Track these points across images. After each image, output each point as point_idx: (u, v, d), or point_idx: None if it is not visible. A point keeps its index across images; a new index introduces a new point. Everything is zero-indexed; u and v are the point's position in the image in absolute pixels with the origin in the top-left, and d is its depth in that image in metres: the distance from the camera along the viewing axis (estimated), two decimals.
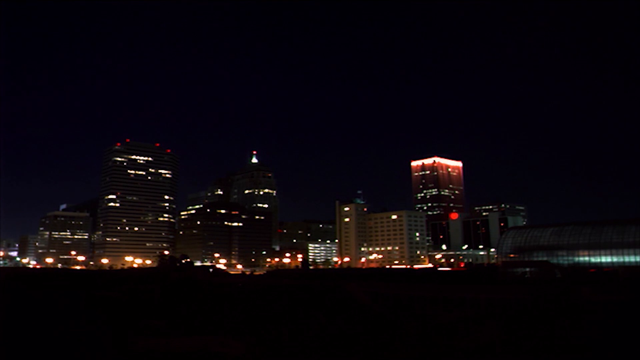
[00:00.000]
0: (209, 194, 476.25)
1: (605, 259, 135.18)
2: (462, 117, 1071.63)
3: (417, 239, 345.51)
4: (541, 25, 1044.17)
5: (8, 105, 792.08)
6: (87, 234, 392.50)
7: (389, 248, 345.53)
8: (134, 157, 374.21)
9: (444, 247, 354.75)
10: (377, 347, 45.94)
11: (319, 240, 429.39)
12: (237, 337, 49.61)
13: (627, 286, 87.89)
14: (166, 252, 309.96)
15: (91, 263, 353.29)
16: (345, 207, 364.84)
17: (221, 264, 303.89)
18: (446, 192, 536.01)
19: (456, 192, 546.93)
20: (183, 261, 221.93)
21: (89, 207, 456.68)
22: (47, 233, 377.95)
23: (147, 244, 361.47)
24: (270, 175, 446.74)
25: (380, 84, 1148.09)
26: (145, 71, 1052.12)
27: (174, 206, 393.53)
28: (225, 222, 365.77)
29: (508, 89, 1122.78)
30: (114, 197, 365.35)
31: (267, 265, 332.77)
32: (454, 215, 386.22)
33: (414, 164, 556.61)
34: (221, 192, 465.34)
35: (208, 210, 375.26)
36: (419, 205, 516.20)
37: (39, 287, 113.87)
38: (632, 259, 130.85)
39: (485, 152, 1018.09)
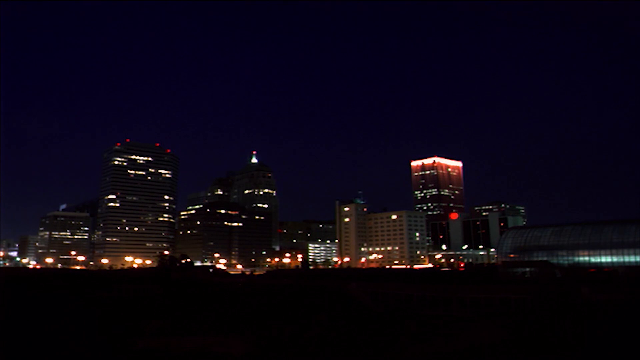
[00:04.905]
0: (209, 194, 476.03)
1: (605, 259, 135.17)
2: (462, 117, 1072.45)
3: (417, 239, 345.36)
4: (541, 25, 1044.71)
5: (8, 106, 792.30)
6: (87, 234, 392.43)
7: (389, 248, 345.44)
8: (134, 157, 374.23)
9: (444, 247, 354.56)
10: (378, 347, 45.91)
11: (319, 240, 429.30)
12: (237, 337, 49.59)
13: (627, 286, 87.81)
14: (166, 252, 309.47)
15: (91, 263, 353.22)
16: (345, 207, 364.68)
17: (221, 264, 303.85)
18: (446, 192, 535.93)
19: (456, 192, 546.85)
20: (183, 261, 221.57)
21: (89, 207, 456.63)
22: (47, 233, 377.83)
23: (147, 244, 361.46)
24: (270, 175, 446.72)
25: (380, 84, 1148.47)
26: (145, 71, 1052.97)
27: (173, 206, 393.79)
28: (225, 222, 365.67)
29: (508, 89, 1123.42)
30: (114, 197, 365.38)
31: (267, 265, 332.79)
32: (454, 215, 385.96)
33: (414, 164, 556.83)
34: (221, 192, 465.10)
35: (208, 210, 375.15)
36: (419, 205, 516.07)
37: (39, 287, 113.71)
38: (632, 258, 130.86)
39: (485, 152, 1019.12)
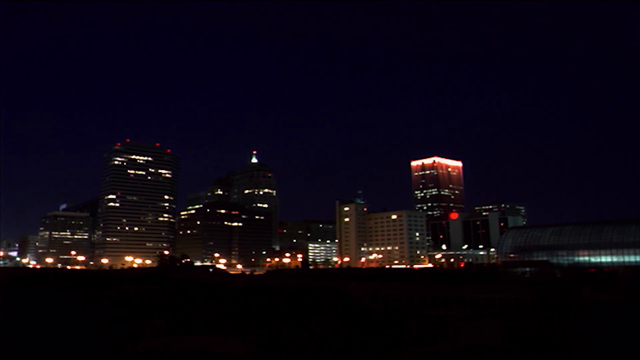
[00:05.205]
0: (209, 194, 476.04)
1: (605, 259, 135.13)
2: (462, 117, 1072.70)
3: (417, 239, 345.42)
4: (541, 25, 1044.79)
5: (8, 106, 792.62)
6: (87, 234, 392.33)
7: (389, 248, 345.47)
8: (134, 157, 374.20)
9: (444, 247, 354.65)
10: (378, 347, 45.89)
11: (319, 240, 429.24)
12: (237, 337, 49.57)
13: (627, 286, 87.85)
14: (166, 252, 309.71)
15: (91, 263, 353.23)
16: (345, 207, 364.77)
17: (221, 264, 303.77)
18: (446, 192, 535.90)
19: (456, 192, 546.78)
20: (183, 261, 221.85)
21: (89, 207, 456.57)
22: (47, 233, 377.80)
23: (147, 244, 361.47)
24: (270, 175, 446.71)
25: (380, 84, 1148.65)
26: (145, 71, 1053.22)
27: (174, 206, 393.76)
28: (225, 222, 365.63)
29: (508, 89, 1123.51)
30: (114, 197, 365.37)
31: (267, 265, 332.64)
32: (454, 215, 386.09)
33: (414, 164, 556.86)
34: (221, 192, 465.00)
35: (208, 210, 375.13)
36: (419, 205, 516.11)
37: (39, 287, 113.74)
38: (632, 258, 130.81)
39: (485, 152, 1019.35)
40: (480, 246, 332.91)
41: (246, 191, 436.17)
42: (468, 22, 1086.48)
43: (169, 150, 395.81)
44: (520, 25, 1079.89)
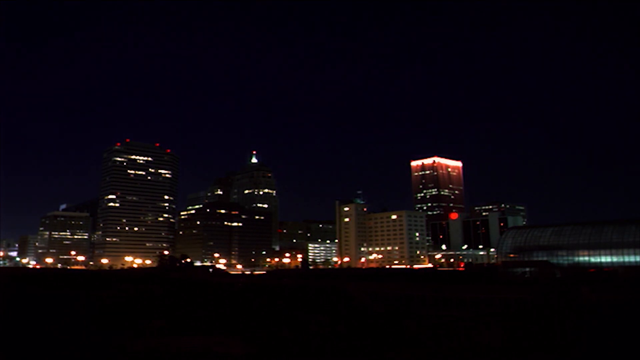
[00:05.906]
0: (209, 194, 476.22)
1: (605, 259, 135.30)
2: (462, 117, 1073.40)
3: (417, 239, 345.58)
4: (541, 25, 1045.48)
5: (8, 105, 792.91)
6: (87, 234, 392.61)
7: (388, 248, 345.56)
8: (134, 157, 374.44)
9: (444, 247, 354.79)
10: (377, 348, 45.90)
11: (319, 240, 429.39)
12: (237, 337, 49.57)
13: (627, 286, 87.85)
14: (166, 252, 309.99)
15: (91, 263, 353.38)
16: (345, 207, 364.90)
17: (221, 264, 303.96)
18: (446, 192, 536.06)
19: (456, 192, 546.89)
20: (183, 261, 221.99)
21: (89, 207, 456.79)
22: (47, 233, 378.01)
23: (147, 244, 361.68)
24: (270, 175, 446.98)
25: (380, 84, 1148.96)
26: (145, 71, 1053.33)
27: (173, 206, 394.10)
28: (225, 222, 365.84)
29: (508, 89, 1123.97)
30: (113, 197, 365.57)
31: (267, 265, 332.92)
32: (454, 215, 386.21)
33: (414, 164, 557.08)
34: (221, 192, 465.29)
35: (208, 210, 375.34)
36: (419, 205, 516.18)
37: (39, 287, 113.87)
38: (632, 258, 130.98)
39: (485, 152, 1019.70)
40: (480, 246, 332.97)
41: (246, 191, 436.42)
42: (469, 22, 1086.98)
43: (169, 150, 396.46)
44: (520, 24, 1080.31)
